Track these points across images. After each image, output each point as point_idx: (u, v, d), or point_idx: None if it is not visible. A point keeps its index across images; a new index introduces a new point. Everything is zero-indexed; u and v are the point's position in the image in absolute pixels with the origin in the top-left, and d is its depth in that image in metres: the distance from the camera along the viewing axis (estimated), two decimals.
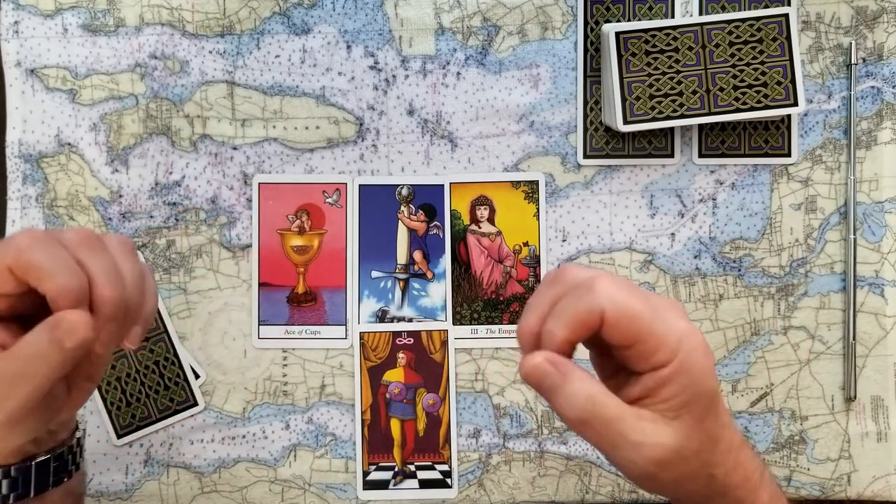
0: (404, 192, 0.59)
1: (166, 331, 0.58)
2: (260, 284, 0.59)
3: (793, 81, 0.55)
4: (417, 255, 0.59)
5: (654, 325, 0.37)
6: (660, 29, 0.55)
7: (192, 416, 0.58)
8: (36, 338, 0.38)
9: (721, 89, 0.55)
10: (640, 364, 0.38)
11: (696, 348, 0.38)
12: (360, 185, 0.59)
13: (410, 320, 0.59)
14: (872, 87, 0.59)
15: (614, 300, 0.37)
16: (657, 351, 0.37)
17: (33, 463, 0.43)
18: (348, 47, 0.59)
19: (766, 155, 0.59)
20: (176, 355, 0.58)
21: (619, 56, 0.55)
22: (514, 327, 0.59)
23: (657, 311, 0.38)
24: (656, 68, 0.55)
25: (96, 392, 0.57)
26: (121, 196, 0.58)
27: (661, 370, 0.37)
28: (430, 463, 0.58)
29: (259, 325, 0.59)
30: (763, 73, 0.55)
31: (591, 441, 0.39)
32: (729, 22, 0.55)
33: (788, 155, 0.59)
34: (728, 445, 0.40)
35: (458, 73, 0.59)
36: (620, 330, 0.37)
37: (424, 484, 0.58)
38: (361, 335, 0.59)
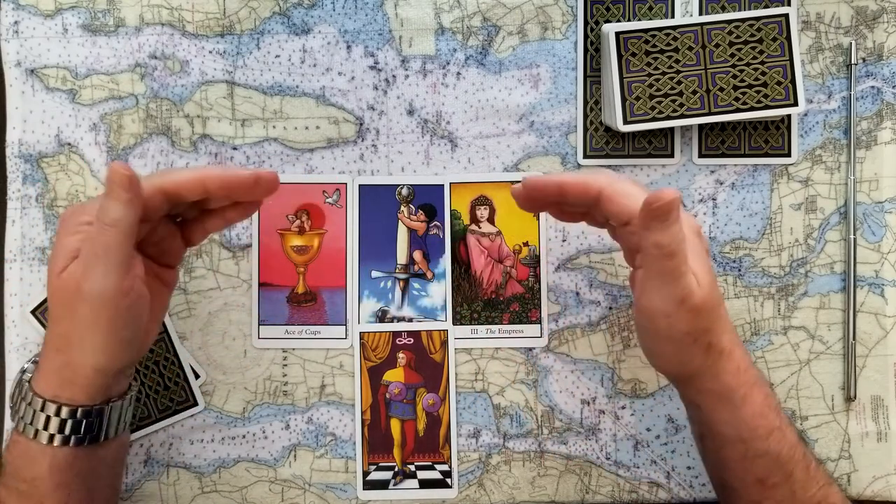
0: (404, 192, 0.59)
1: (166, 330, 0.58)
2: (260, 284, 0.59)
3: (793, 81, 0.55)
4: (417, 255, 0.59)
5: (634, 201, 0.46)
6: (660, 29, 0.55)
7: (192, 416, 0.58)
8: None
9: (721, 89, 0.55)
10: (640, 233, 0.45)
11: (689, 230, 0.46)
12: (360, 185, 0.59)
13: (410, 320, 0.59)
14: (872, 87, 0.59)
15: (612, 184, 0.47)
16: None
17: (110, 405, 0.48)
18: (348, 47, 0.59)
19: (766, 155, 0.59)
20: (176, 355, 0.58)
21: (619, 56, 0.55)
22: (514, 327, 0.59)
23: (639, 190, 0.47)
24: (656, 68, 0.55)
25: None
26: None
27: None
28: (430, 463, 0.58)
29: (259, 325, 0.59)
30: (763, 73, 0.55)
31: (657, 269, 0.45)
32: (729, 22, 0.55)
33: (788, 155, 0.59)
34: (726, 326, 0.47)
35: (458, 73, 0.59)
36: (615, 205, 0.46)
37: (424, 484, 0.58)
38: (361, 335, 0.59)
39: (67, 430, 0.46)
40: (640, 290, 0.46)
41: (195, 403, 0.58)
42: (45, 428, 0.46)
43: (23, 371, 0.49)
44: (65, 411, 0.46)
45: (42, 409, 0.46)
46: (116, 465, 0.51)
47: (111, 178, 0.44)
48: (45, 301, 0.58)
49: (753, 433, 0.47)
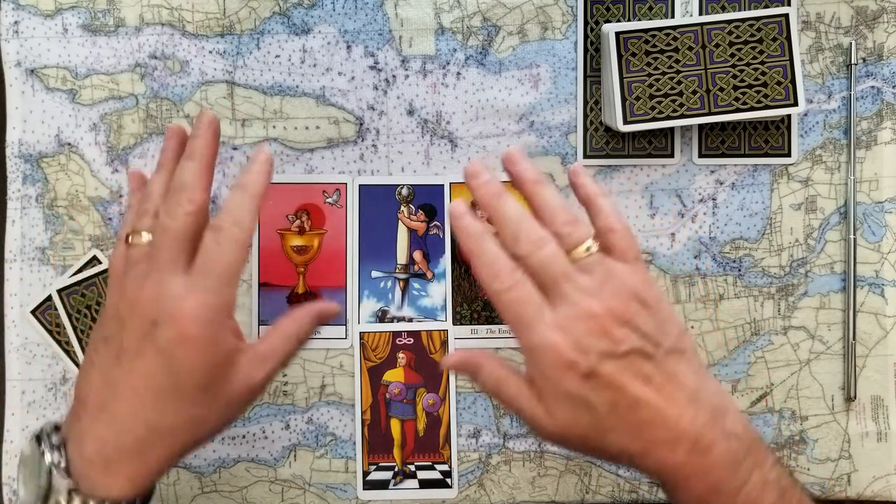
0: (404, 192, 0.59)
1: None
2: (260, 284, 0.59)
3: (793, 81, 0.56)
4: (417, 255, 0.59)
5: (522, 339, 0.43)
6: (660, 29, 0.55)
7: None
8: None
9: (721, 89, 0.55)
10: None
11: (550, 365, 0.42)
12: (360, 185, 0.59)
13: (410, 320, 0.59)
14: (872, 87, 0.59)
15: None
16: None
17: (158, 484, 0.46)
18: (348, 47, 0.59)
19: (766, 155, 0.59)
20: None
21: (619, 56, 0.55)
22: None
23: (530, 328, 0.43)
24: (656, 68, 0.55)
25: None
26: (121, 196, 0.58)
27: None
28: (430, 463, 0.58)
29: (259, 325, 0.59)
30: (763, 73, 0.55)
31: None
32: (729, 22, 0.55)
33: (788, 155, 0.59)
34: (635, 436, 0.41)
35: (458, 73, 0.59)
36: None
37: (424, 484, 0.58)
38: (361, 335, 0.59)
39: None
40: None
41: None
42: None
43: (52, 465, 0.41)
44: None
45: None
46: None
47: (324, 313, 0.48)
48: (45, 301, 0.58)
49: None
